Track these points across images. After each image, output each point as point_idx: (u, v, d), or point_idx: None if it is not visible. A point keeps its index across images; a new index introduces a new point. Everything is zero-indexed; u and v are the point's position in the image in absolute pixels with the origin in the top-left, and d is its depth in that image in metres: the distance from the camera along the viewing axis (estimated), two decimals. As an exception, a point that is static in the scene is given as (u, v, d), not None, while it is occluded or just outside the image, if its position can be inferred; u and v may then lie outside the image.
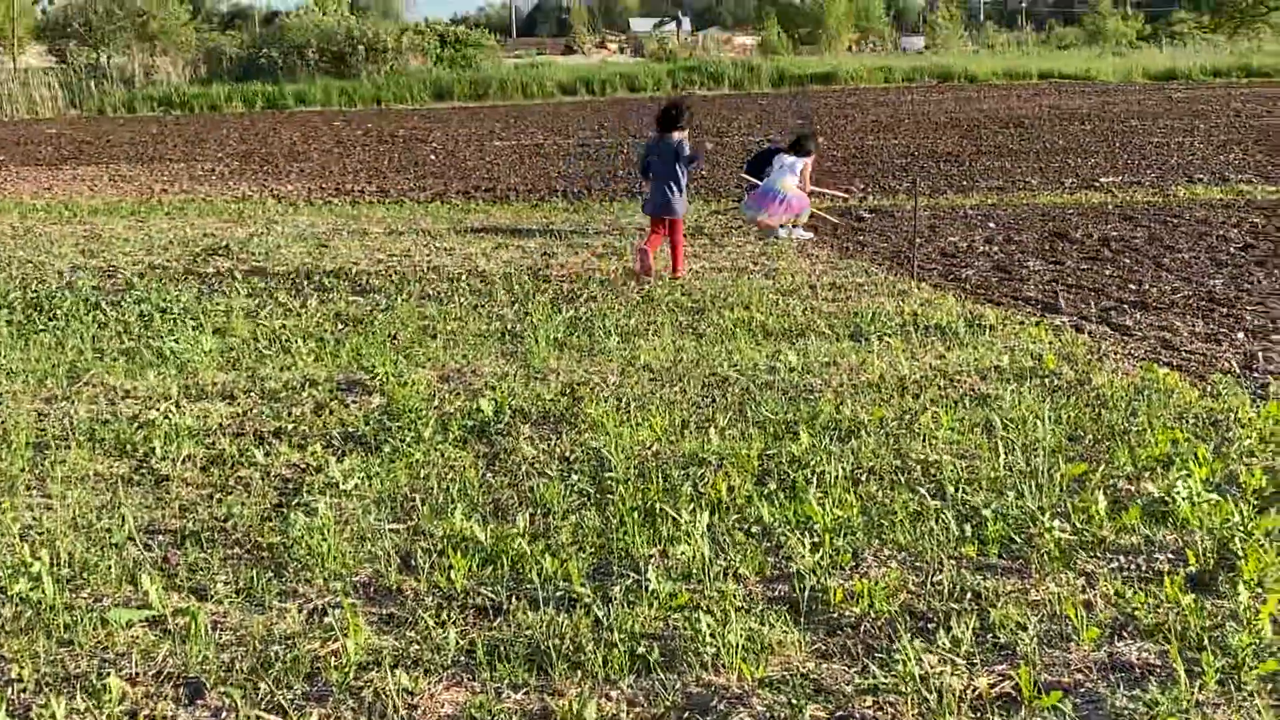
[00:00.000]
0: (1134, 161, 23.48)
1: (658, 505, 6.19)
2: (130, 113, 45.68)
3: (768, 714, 4.37)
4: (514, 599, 5.26)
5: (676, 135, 12.89)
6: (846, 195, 16.02)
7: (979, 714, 4.33)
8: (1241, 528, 5.70)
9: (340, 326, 10.61)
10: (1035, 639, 4.82)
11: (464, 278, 12.72)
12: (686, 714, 4.38)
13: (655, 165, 12.96)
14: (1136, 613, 5.02)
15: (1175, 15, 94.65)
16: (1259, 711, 4.31)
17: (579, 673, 4.67)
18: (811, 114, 16.97)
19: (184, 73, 52.26)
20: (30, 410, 8.18)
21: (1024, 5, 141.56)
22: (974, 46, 74.32)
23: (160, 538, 6.07)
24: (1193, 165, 22.56)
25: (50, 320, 10.88)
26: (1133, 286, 12.15)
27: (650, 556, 5.63)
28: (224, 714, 4.43)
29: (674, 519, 5.98)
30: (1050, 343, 9.68)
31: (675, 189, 12.86)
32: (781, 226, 15.56)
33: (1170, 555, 5.62)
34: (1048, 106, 38.20)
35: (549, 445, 7.33)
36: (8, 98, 46.42)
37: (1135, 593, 5.16)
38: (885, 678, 4.56)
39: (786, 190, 15.34)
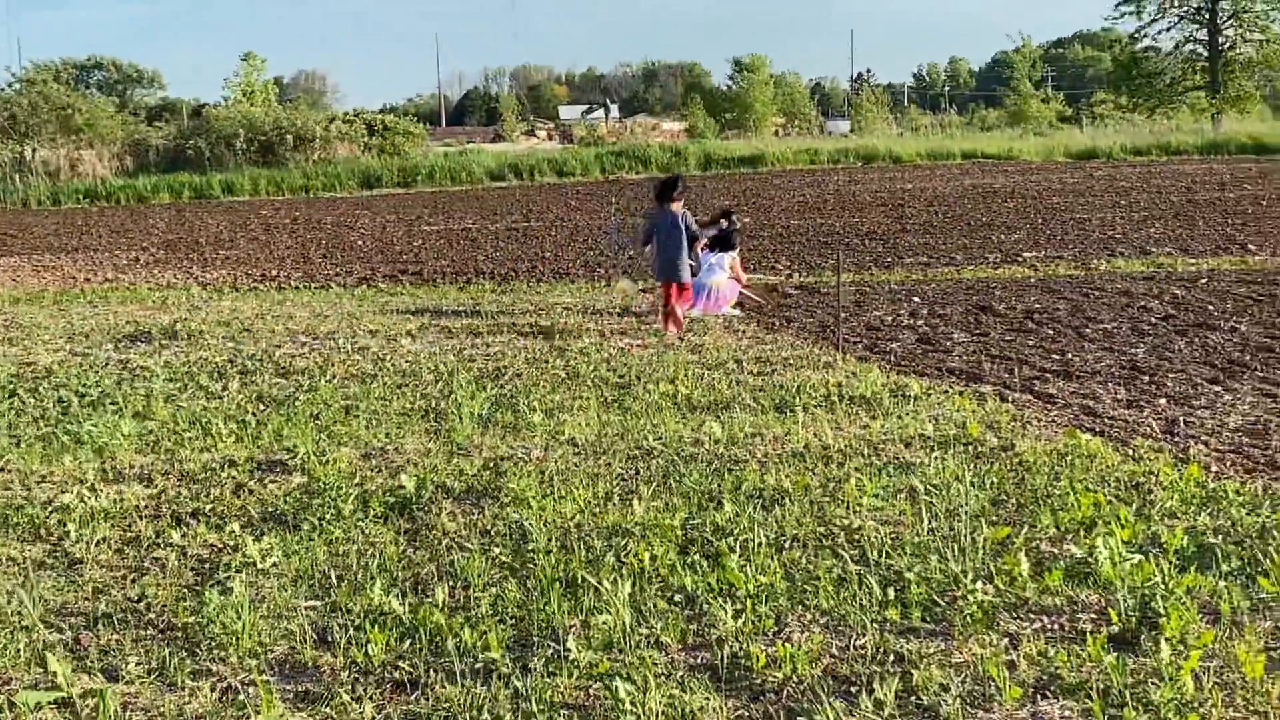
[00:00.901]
0: (1056, 236, 23.83)
1: (579, 575, 6.12)
2: (55, 205, 45.27)
3: (689, 781, 4.30)
4: (432, 672, 5.17)
5: (675, 206, 14.27)
6: (764, 302, 16.08)
7: (902, 775, 4.27)
8: (1163, 586, 5.72)
9: (262, 408, 10.48)
10: (958, 699, 4.78)
11: (388, 358, 12.64)
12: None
13: (659, 234, 14.28)
14: (1060, 671, 5.00)
15: (1095, 97, 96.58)
16: (1181, 765, 4.29)
17: (497, 746, 4.58)
18: (730, 211, 17.08)
19: (110, 165, 51.98)
20: (-60, 496, 7.98)
21: (947, 89, 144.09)
22: (898, 129, 75.39)
23: (72, 620, 5.92)
24: (1114, 240, 22.94)
25: (-37, 408, 10.67)
26: (1056, 356, 12.27)
27: (571, 626, 5.55)
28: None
29: (595, 588, 5.92)
30: (974, 411, 9.73)
31: (679, 255, 14.15)
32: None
33: (1093, 615, 5.61)
34: (971, 185, 38.75)
35: (470, 519, 7.25)
36: (-71, 191, 45.98)
37: (1058, 652, 5.14)
38: (807, 740, 4.51)
39: (717, 286, 15.54)
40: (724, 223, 16.28)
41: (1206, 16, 72.68)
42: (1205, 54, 73.66)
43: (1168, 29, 74.22)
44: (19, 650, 5.46)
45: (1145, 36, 75.10)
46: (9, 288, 21.40)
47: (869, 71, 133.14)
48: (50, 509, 7.63)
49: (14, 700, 4.96)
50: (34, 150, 52.24)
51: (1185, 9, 73.26)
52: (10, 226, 36.25)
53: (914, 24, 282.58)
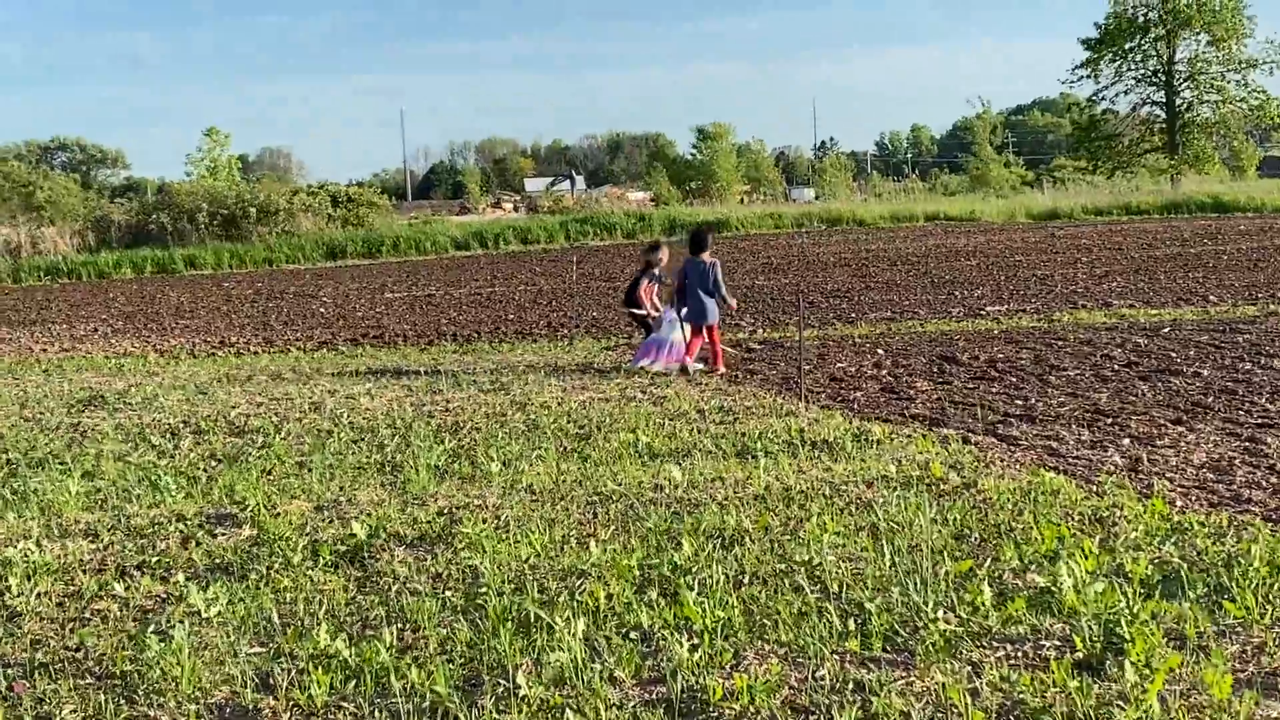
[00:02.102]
0: (1019, 291, 23.88)
1: (532, 614, 5.95)
2: (15, 283, 44.88)
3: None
4: (377, 713, 4.99)
5: (706, 257, 15.53)
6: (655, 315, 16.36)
7: (862, 801, 4.11)
8: (1128, 612, 5.60)
9: (215, 464, 10.28)
10: (920, 726, 4.64)
11: (345, 416, 12.46)
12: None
13: (690, 282, 15.40)
14: (1023, 697, 4.86)
15: (1055, 162, 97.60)
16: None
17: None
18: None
19: (72, 242, 51.66)
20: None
21: (909, 156, 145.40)
22: (862, 196, 75.87)
23: (9, 670, 5.71)
24: (1076, 294, 22.99)
25: (-92, 470, 10.44)
26: (1019, 402, 12.20)
27: (522, 664, 5.38)
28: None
29: (548, 626, 5.75)
30: (937, 453, 9.63)
31: (708, 300, 15.35)
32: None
33: (1057, 642, 5.49)
34: (934, 245, 38.91)
35: (423, 565, 7.08)
36: (-113, 271, 45.54)
37: (1021, 676, 5.00)
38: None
39: (676, 341, 15.50)
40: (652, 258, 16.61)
41: (1163, 79, 73.55)
42: (1163, 115, 74.48)
43: (1125, 92, 75.07)
44: (-51, 700, 5.26)
45: (1103, 99, 75.95)
46: (-36, 359, 21.13)
47: (832, 140, 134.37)
48: (-9, 564, 7.42)
49: (-61, 750, 4.76)
50: (-6, 228, 51.96)
51: (1142, 71, 74.13)
52: (-31, 302, 35.96)
53: (876, 93, 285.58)
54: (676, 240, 17.22)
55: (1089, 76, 75.03)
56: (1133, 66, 74.07)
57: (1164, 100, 74.11)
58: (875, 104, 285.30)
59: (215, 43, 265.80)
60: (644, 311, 16.37)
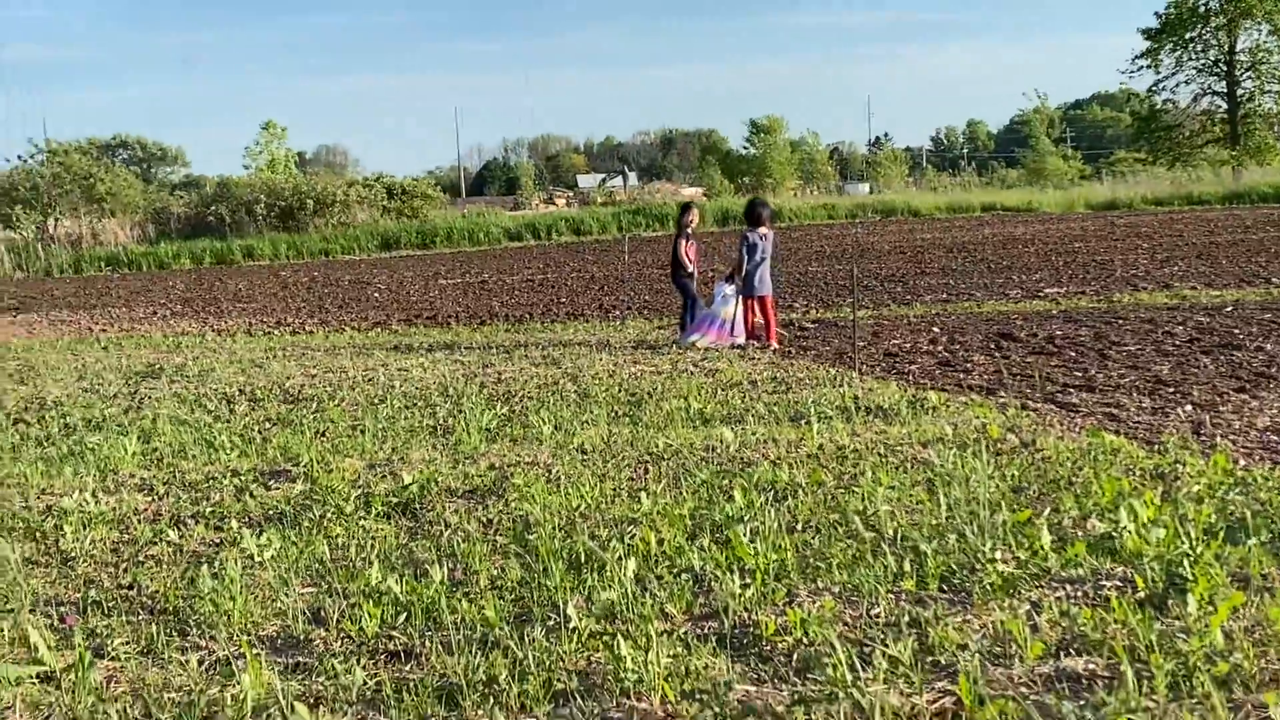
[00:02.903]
0: (1078, 275, 23.60)
1: (583, 555, 5.91)
2: (77, 273, 45.40)
3: (693, 735, 4.06)
4: (427, 643, 4.96)
5: (763, 230, 15.58)
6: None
7: (918, 724, 4.03)
8: (1191, 554, 5.48)
9: (269, 427, 10.32)
10: (977, 656, 4.55)
11: (398, 386, 12.47)
12: (606, 737, 4.07)
13: (754, 255, 15.36)
14: (1084, 630, 4.76)
15: (1115, 155, 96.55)
16: (1213, 709, 4.04)
17: (492, 703, 4.36)
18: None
19: (132, 233, 52.17)
20: (-66, 508, 7.82)
21: (965, 151, 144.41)
22: (917, 189, 75.34)
23: (61, 608, 5.72)
24: (1137, 277, 22.68)
25: (-34, 434, 10.55)
26: (1078, 374, 12.03)
27: (572, 600, 5.33)
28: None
29: (599, 566, 5.70)
30: (994, 417, 9.50)
31: (763, 272, 15.40)
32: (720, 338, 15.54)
33: (1118, 583, 5.37)
34: (991, 233, 38.58)
35: (474, 514, 7.05)
36: (-51, 264, 46.18)
37: (1081, 611, 4.90)
38: (817, 689, 4.27)
39: (727, 317, 15.40)
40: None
41: (1224, 69, 72.55)
42: (1224, 106, 73.47)
43: (1185, 82, 74.08)
44: (3, 631, 5.27)
45: (1163, 90, 74.99)
46: (24, 338, 21.35)
47: (886, 135, 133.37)
48: (47, 515, 7.46)
49: (-6, 674, 4.76)
50: (56, 220, 52.51)
51: (1202, 61, 73.13)
52: (31, 291, 36.36)
53: (931, 88, 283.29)
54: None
55: (1149, 67, 74.07)
56: (1193, 56, 73.04)
57: (1225, 90, 73.06)
58: (930, 99, 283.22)
59: (272, 42, 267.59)
60: (690, 270, 16.22)
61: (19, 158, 57.54)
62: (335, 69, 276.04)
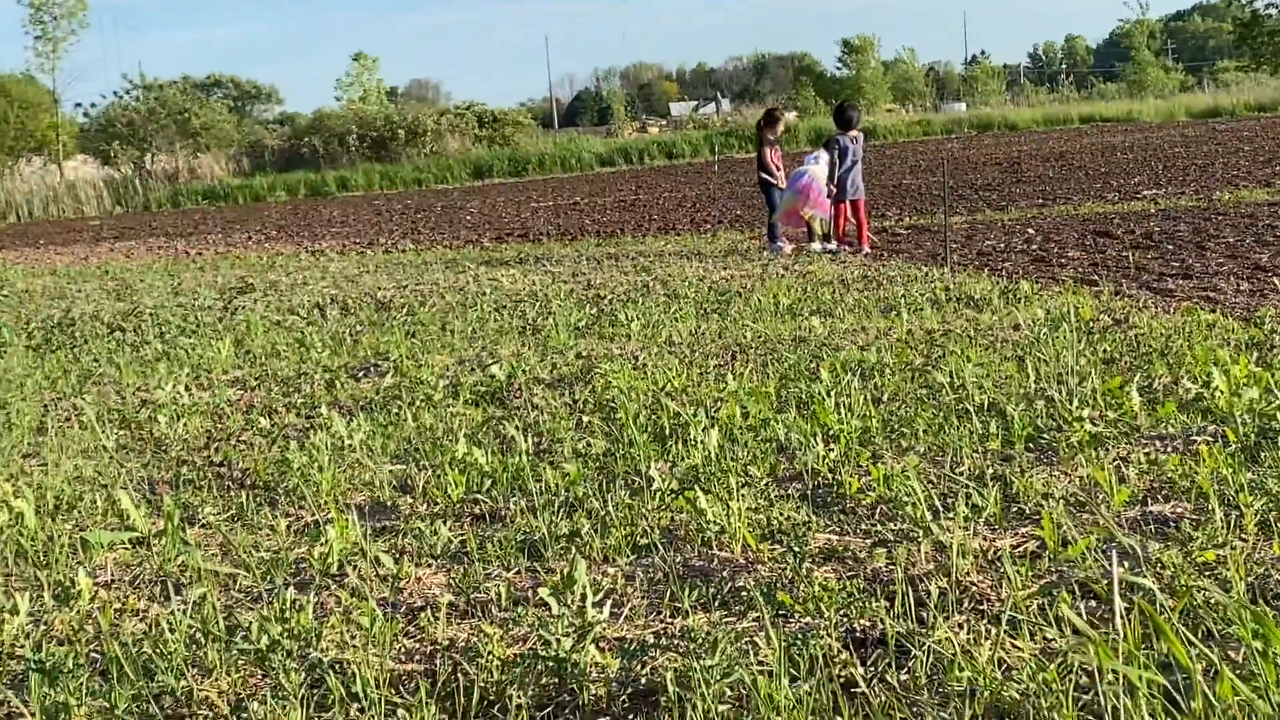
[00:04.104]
0: (1177, 178, 23.10)
1: (668, 428, 5.91)
2: (174, 207, 46.04)
3: (773, 578, 4.06)
4: (512, 506, 5.00)
5: (853, 133, 15.49)
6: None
7: (999, 565, 3.99)
8: (1286, 410, 5.36)
9: (359, 330, 10.42)
10: (1062, 503, 4.49)
11: (489, 293, 12.53)
12: (687, 580, 4.07)
13: (845, 159, 15.23)
14: (1172, 478, 4.69)
15: (1218, 65, 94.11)
16: (1306, 546, 3.96)
17: (574, 554, 4.38)
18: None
19: (227, 167, 52.84)
20: (36, 405, 7.99)
21: (1064, 67, 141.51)
22: (1014, 105, 73.98)
23: (154, 484, 5.84)
24: (1238, 177, 22.14)
25: (68, 340, 10.76)
26: (1175, 264, 11.80)
27: (655, 465, 5.33)
28: (196, 603, 4.15)
29: (684, 440, 5.70)
30: (1088, 303, 9.34)
31: (854, 176, 15.32)
32: (812, 234, 15.45)
33: (1208, 438, 5.27)
34: (1089, 143, 37.84)
35: (560, 398, 7.08)
36: (53, 199, 47.00)
37: (1170, 458, 4.82)
38: (898, 528, 4.25)
39: (815, 176, 15.19)
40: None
41: (1332, -31, 70.19)
42: (1329, 9, 71.15)
43: (1290, -15, 71.77)
44: (96, 503, 5.39)
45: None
46: (122, 262, 21.73)
47: (983, 53, 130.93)
48: (142, 405, 7.60)
49: (85, 539, 4.87)
50: (153, 156, 53.30)
51: (1308, -38, 70.81)
52: (130, 223, 36.97)
53: (1029, 2, 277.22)
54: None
55: (1251, -30, 71.90)
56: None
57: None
58: (1028, 14, 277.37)
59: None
60: (777, 177, 16.11)
61: (115, 94, 58.45)
62: (425, 1, 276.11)
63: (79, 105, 66.22)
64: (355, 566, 4.35)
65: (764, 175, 16.21)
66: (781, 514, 4.58)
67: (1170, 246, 13.16)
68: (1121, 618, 2.87)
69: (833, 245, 15.31)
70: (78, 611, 4.15)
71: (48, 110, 58.17)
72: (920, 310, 9.44)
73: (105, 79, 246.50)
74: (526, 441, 5.80)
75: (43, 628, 4.07)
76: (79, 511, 5.31)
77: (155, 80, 58.95)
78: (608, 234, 20.56)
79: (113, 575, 4.53)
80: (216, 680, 3.51)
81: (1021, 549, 4.15)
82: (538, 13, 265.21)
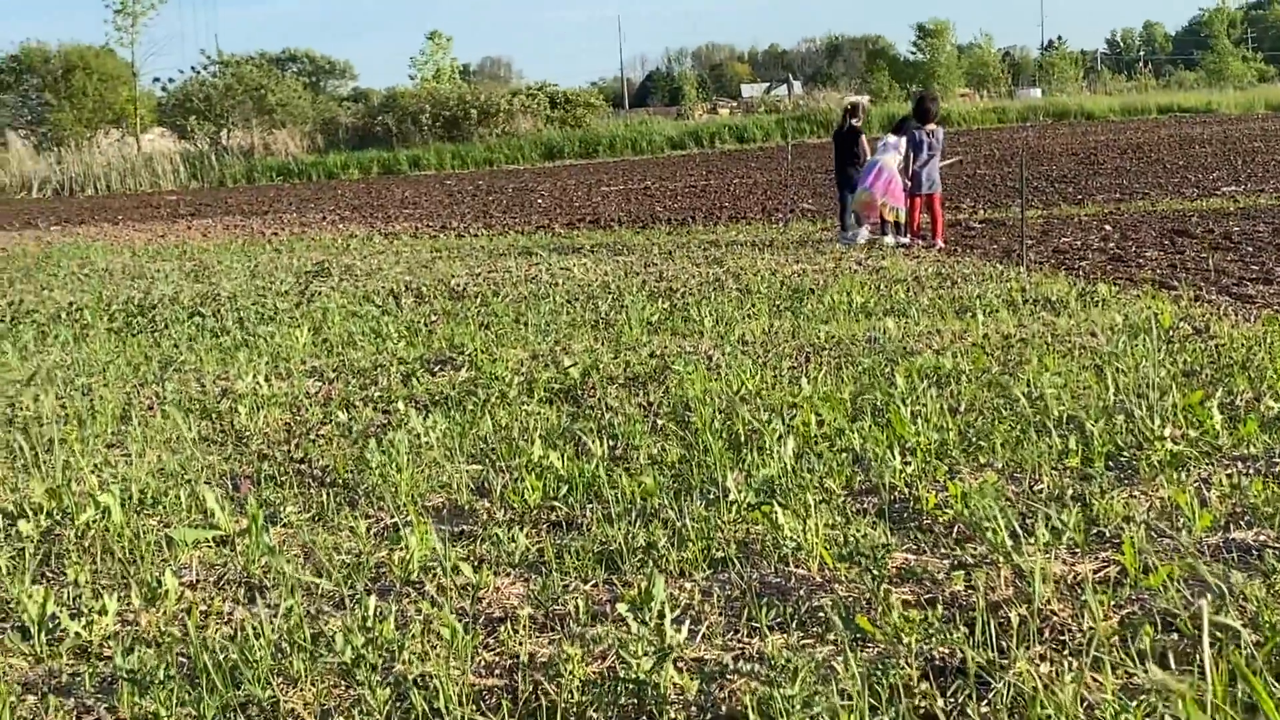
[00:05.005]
0: (1257, 174, 22.77)
1: (742, 434, 5.92)
2: (249, 183, 46.50)
3: (850, 599, 4.06)
4: (588, 514, 5.03)
5: (931, 126, 15.23)
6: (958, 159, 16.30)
7: (1079, 592, 3.97)
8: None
9: (434, 320, 10.50)
10: (1143, 527, 4.47)
11: (561, 283, 12.58)
12: (764, 599, 4.09)
13: (922, 151, 15.06)
14: (1255, 503, 4.65)
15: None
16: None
17: (651, 567, 4.41)
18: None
19: (302, 144, 53.22)
20: (120, 391, 8.12)
21: (1142, 54, 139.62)
22: (1091, 92, 73.17)
23: (236, 479, 5.92)
24: (1321, 176, 21.82)
25: (149, 325, 10.92)
26: (1255, 267, 11.64)
27: (732, 475, 5.34)
28: (282, 611, 4.21)
29: (759, 447, 5.71)
30: (1167, 309, 9.24)
31: (931, 169, 15.11)
32: (885, 227, 15.38)
33: (1293, 462, 5.22)
34: (1167, 135, 37.38)
35: (634, 399, 7.11)
36: (131, 172, 47.59)
37: (1253, 482, 4.78)
38: (977, 552, 4.24)
39: (888, 166, 15.14)
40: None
41: None
42: None
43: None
44: (179, 498, 5.47)
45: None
46: (199, 241, 21.98)
47: (1060, 38, 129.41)
48: (223, 397, 7.70)
49: (170, 536, 4.95)
50: (229, 132, 53.80)
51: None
52: (206, 199, 37.36)
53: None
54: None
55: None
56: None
57: None
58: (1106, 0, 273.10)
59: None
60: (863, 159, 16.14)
61: (193, 69, 59.00)
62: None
63: (157, 80, 66.94)
64: (435, 575, 4.40)
65: (847, 164, 16.29)
66: (858, 531, 4.58)
67: (1250, 248, 12.99)
68: (1210, 667, 2.86)
69: (906, 239, 15.22)
70: (164, 612, 4.24)
71: (126, 84, 58.89)
72: (996, 312, 9.38)
73: (183, 54, 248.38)
74: (602, 446, 5.83)
75: (130, 628, 4.15)
76: (163, 507, 5.40)
77: (232, 56, 59.43)
78: (679, 222, 20.54)
79: (198, 575, 4.61)
80: (302, 691, 3.57)
81: (1102, 574, 4.14)
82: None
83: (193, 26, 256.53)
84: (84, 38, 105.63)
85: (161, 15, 61.19)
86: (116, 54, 59.06)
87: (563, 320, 10.18)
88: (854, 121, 16.76)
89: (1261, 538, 4.34)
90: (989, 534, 4.30)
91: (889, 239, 15.31)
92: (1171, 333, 8.12)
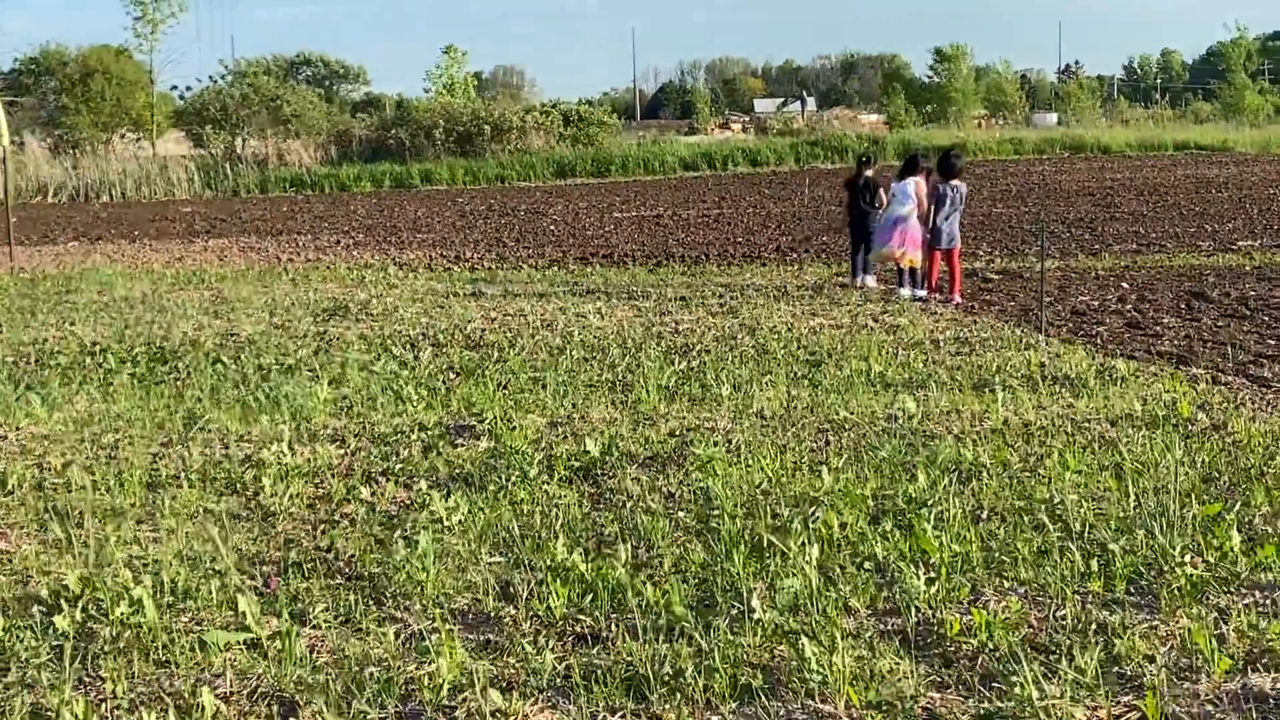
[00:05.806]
0: (1273, 225, 22.83)
1: (765, 539, 5.97)
2: (263, 193, 46.62)
3: (876, 743, 4.12)
4: (613, 626, 5.08)
5: (956, 181, 15.32)
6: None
7: (1104, 745, 4.03)
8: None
9: (452, 377, 10.56)
10: (1164, 670, 4.51)
11: (576, 334, 12.65)
12: (790, 740, 4.14)
13: (944, 205, 15.11)
14: (1273, 645, 4.69)
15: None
16: None
17: (679, 698, 4.46)
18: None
19: (315, 155, 53.33)
20: (145, 453, 8.18)
21: (1159, 82, 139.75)
22: (1108, 121, 73.19)
23: (264, 568, 5.99)
24: (1335, 229, 21.87)
25: (171, 373, 10.99)
26: (1272, 341, 11.69)
27: (755, 589, 5.39)
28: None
29: (782, 552, 5.76)
30: (1185, 392, 9.30)
31: (951, 224, 15.20)
32: (903, 278, 15.45)
33: (1313, 593, 5.26)
34: (1183, 175, 37.46)
35: (655, 484, 7.16)
36: (146, 180, 47.73)
37: (1271, 624, 4.82)
38: (1003, 704, 4.29)
39: (906, 216, 15.23)
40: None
41: None
42: None
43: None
44: (211, 593, 5.52)
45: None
46: (216, 267, 22.07)
47: (1077, 63, 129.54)
48: (247, 465, 7.76)
49: (204, 639, 5.00)
50: (244, 141, 53.95)
51: None
52: (220, 212, 37.46)
53: (1125, 14, 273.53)
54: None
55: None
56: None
57: None
58: (1124, 25, 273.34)
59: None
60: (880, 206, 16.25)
61: (210, 78, 59.24)
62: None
63: (174, 88, 67.15)
64: (464, 699, 4.45)
65: (862, 217, 16.42)
66: (884, 664, 4.63)
67: (1266, 318, 13.05)
68: None
69: (923, 293, 15.29)
70: (198, 732, 4.29)
71: (144, 88, 59.12)
72: (1014, 390, 9.43)
73: (199, 57, 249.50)
74: (625, 549, 5.88)
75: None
76: (194, 601, 5.45)
77: (249, 66, 59.64)
78: (693, 259, 20.62)
79: (231, 686, 4.66)
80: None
81: (1124, 721, 4.19)
82: (626, 3, 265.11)
83: (209, 28, 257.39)
84: (103, 36, 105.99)
85: (181, 23, 61.28)
86: (134, 58, 59.31)
87: (580, 380, 10.25)
88: (868, 173, 16.84)
89: (1279, 686, 4.39)
90: (1015, 683, 4.34)
91: (905, 291, 15.38)
92: (1189, 424, 8.16)
